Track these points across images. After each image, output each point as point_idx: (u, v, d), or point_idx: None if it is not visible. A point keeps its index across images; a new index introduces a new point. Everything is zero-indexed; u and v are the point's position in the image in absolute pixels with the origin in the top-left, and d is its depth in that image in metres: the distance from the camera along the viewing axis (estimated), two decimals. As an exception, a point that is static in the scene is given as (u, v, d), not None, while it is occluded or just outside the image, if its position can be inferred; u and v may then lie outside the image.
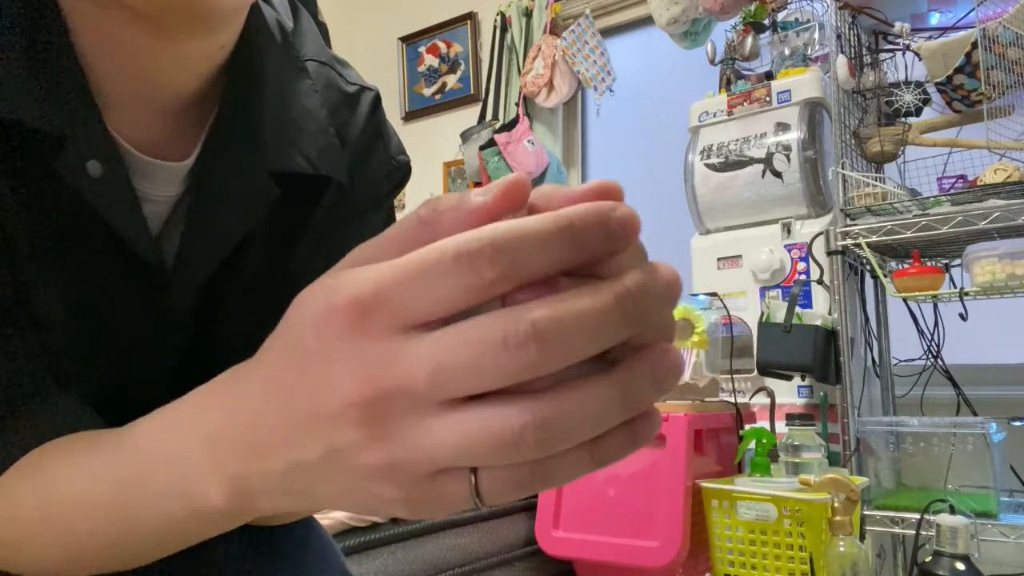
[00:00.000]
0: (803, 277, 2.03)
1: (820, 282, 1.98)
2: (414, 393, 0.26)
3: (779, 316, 1.88)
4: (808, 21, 2.24)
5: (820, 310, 1.98)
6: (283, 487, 0.31)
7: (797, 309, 1.88)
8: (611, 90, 2.90)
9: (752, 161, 2.13)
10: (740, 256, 2.14)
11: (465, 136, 3.11)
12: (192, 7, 0.42)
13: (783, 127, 2.11)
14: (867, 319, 2.02)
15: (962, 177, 1.83)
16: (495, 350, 0.24)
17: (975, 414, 1.81)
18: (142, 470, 0.37)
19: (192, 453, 0.34)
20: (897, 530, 1.63)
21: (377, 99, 0.63)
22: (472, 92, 3.34)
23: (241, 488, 0.32)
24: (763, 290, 2.09)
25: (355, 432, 0.27)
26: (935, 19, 2.03)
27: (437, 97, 3.47)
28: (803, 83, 2.12)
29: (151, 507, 0.37)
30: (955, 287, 1.78)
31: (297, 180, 0.54)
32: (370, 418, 0.26)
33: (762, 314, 1.95)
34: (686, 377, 1.77)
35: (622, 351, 0.26)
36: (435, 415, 0.26)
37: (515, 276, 0.25)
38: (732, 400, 1.83)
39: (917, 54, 1.86)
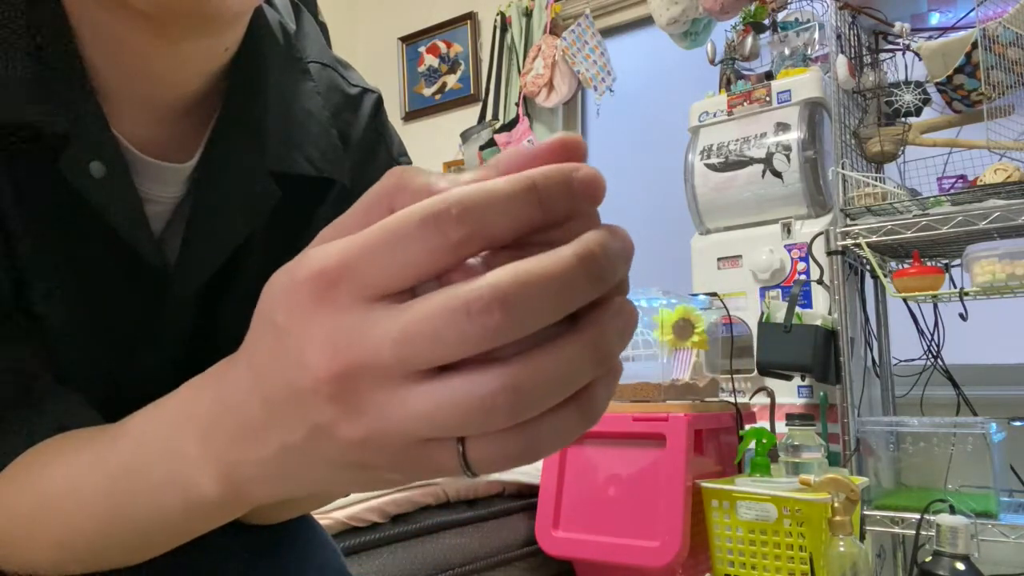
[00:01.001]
0: (803, 277, 2.03)
1: (820, 282, 1.98)
2: (381, 365, 0.25)
3: (779, 316, 1.88)
4: (808, 21, 2.24)
5: (820, 310, 1.98)
6: (275, 472, 0.31)
7: (797, 309, 1.88)
8: (611, 90, 2.90)
9: (752, 161, 2.13)
10: (740, 256, 2.14)
11: (465, 136, 3.11)
12: (197, 10, 0.42)
13: (783, 127, 2.11)
14: (867, 319, 2.02)
15: (962, 177, 1.83)
16: (458, 318, 0.24)
17: (975, 414, 1.81)
18: (136, 462, 0.37)
19: (184, 443, 0.34)
20: (897, 530, 1.63)
21: (379, 101, 0.63)
22: (472, 92, 3.34)
23: (233, 476, 0.32)
24: (763, 290, 2.09)
25: (331, 407, 0.26)
26: (935, 19, 2.02)
27: (437, 97, 3.47)
28: (803, 83, 2.12)
29: (146, 499, 0.37)
30: (955, 287, 1.78)
31: (299, 182, 0.54)
32: (342, 392, 0.26)
33: (762, 314, 1.95)
34: (686, 377, 1.77)
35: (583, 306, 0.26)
36: (407, 386, 0.25)
37: (482, 236, 0.25)
38: (732, 400, 1.83)
39: (917, 54, 1.86)
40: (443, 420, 0.25)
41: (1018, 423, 1.79)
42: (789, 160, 2.07)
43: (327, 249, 0.27)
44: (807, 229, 2.05)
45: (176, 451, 0.34)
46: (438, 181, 0.26)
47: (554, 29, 3.04)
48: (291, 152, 0.54)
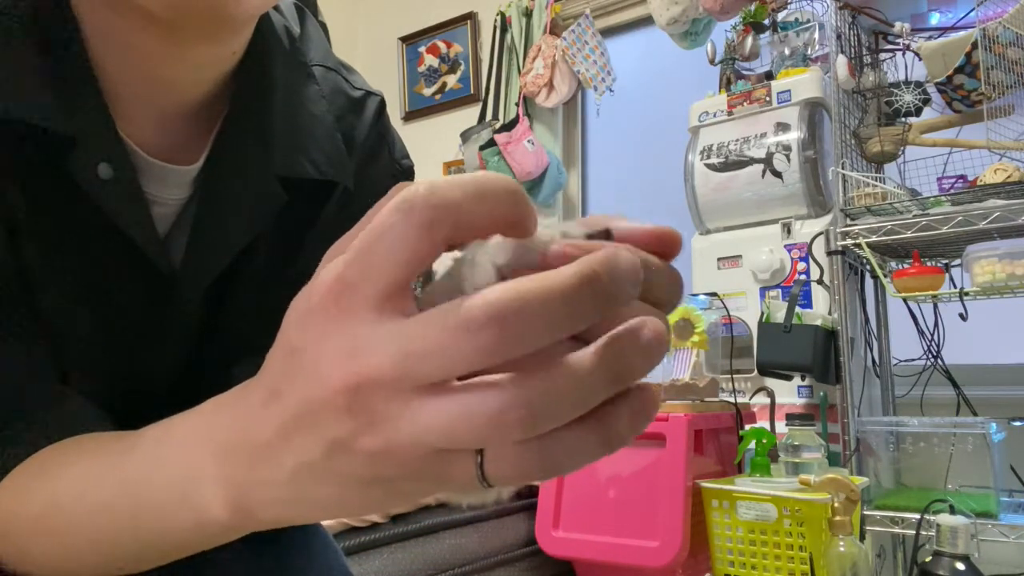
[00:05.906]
0: (803, 277, 2.04)
1: (820, 282, 1.98)
2: (388, 378, 0.25)
3: (779, 316, 1.88)
4: (808, 21, 2.24)
5: (820, 310, 1.98)
6: (288, 496, 0.31)
7: (797, 309, 1.88)
8: (611, 90, 2.90)
9: (752, 161, 2.14)
10: (740, 256, 2.14)
11: (465, 136, 3.11)
12: (213, 12, 0.42)
13: (783, 127, 2.11)
14: (867, 319, 2.02)
15: (962, 177, 1.83)
16: (457, 335, 0.24)
17: (975, 414, 1.81)
18: (149, 478, 0.37)
19: (200, 464, 0.34)
20: (897, 530, 1.63)
21: (382, 104, 0.64)
22: (472, 92, 3.34)
23: (245, 501, 0.32)
24: (763, 290, 2.09)
25: (348, 419, 0.26)
26: (935, 19, 2.03)
27: (437, 97, 3.47)
28: (803, 83, 2.12)
29: (156, 515, 0.37)
30: (955, 287, 1.78)
31: (303, 184, 0.55)
32: (357, 402, 0.26)
33: (762, 314, 1.95)
34: (686, 377, 1.77)
35: (605, 327, 0.26)
36: (418, 399, 0.25)
37: (449, 217, 0.25)
38: (732, 400, 1.83)
39: (917, 54, 1.86)
40: (458, 433, 0.25)
41: (1018, 423, 1.79)
42: (789, 160, 2.08)
43: (333, 263, 0.27)
44: (807, 229, 2.06)
45: (191, 472, 0.34)
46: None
47: (554, 29, 3.03)
48: (296, 155, 0.54)
